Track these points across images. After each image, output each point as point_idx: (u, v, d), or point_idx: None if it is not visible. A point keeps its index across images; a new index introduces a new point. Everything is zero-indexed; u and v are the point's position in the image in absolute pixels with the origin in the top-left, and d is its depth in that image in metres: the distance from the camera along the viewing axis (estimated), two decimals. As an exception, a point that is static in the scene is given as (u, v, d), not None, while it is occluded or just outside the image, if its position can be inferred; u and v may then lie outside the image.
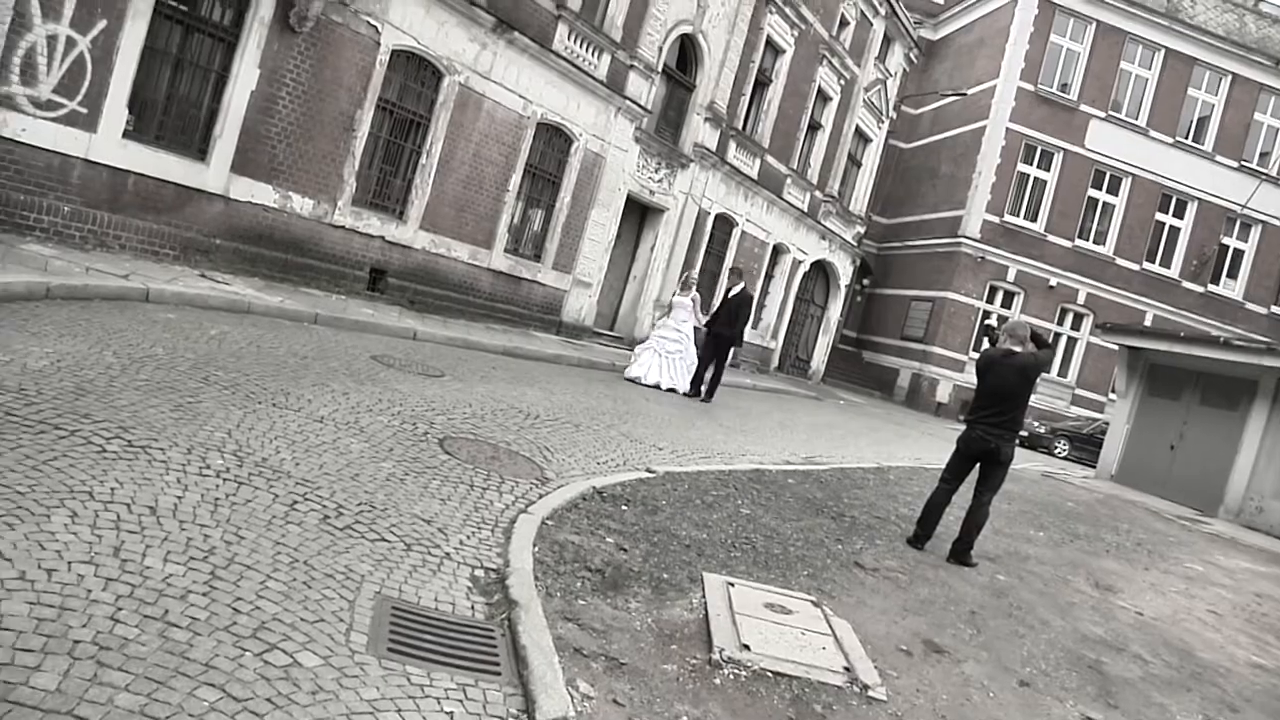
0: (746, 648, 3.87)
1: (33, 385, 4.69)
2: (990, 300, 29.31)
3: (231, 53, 10.38)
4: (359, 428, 5.89)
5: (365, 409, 6.42)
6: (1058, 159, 29.01)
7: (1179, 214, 29.69)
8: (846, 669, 3.94)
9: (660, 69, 17.67)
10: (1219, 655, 6.05)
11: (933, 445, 16.76)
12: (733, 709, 3.39)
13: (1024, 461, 17.03)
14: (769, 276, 24.66)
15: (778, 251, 24.50)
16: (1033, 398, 7.20)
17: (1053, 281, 28.99)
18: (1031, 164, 29.09)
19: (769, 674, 3.72)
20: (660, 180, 18.80)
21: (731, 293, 13.90)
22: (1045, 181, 29.16)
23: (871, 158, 28.34)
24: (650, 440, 8.86)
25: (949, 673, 4.38)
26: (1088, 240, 29.37)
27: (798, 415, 16.05)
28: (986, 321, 26.42)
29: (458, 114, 13.49)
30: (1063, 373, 29.33)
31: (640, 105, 17.01)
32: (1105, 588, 7.36)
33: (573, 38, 15.18)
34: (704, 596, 4.45)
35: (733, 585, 4.67)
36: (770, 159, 22.58)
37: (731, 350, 13.61)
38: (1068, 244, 29.07)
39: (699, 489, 6.90)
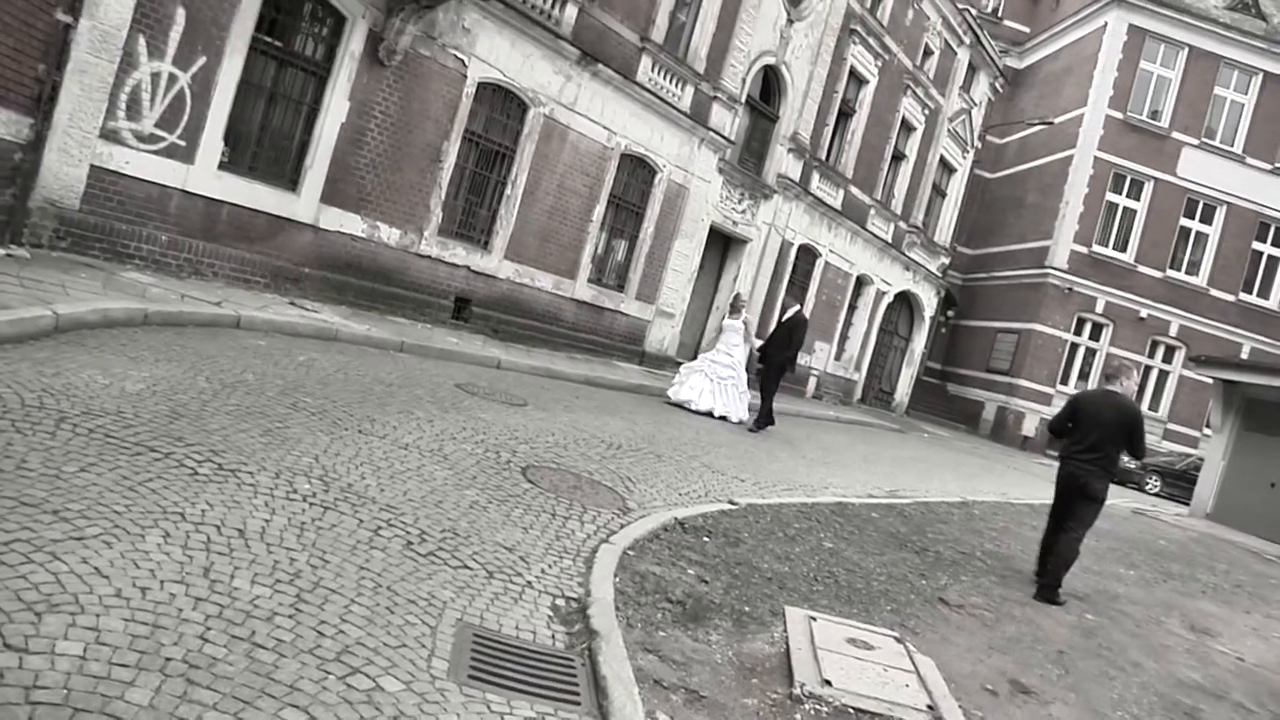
0: (828, 683, 3.78)
1: (130, 408, 4.78)
2: (1078, 332, 28.43)
3: (323, 86, 10.66)
4: (443, 455, 5.89)
5: (449, 436, 6.43)
6: (1148, 188, 28.11)
7: (1278, 243, 28.48)
8: (930, 707, 3.81)
9: (744, 100, 17.64)
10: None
11: (1018, 480, 16.27)
12: (822, 751, 3.25)
13: (1114, 497, 16.12)
14: (852, 308, 24.30)
15: (861, 283, 24.14)
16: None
17: (1143, 313, 28.01)
18: (1121, 193, 28.25)
19: (850, 710, 3.62)
20: (743, 211, 18.71)
21: (786, 315, 13.23)
22: (1135, 211, 28.28)
23: (956, 188, 27.86)
24: (732, 472, 8.71)
25: (1036, 714, 4.20)
26: (1180, 270, 28.32)
27: (881, 448, 15.69)
28: None
29: (542, 145, 13.62)
30: (1154, 407, 28.13)
31: (724, 136, 16.98)
32: (1202, 630, 6.96)
33: (656, 70, 15.26)
34: (785, 630, 4.36)
35: (814, 619, 4.57)
36: (854, 189, 22.34)
37: (783, 374, 13.08)
38: (1159, 275, 28.07)
39: (781, 521, 6.78)
